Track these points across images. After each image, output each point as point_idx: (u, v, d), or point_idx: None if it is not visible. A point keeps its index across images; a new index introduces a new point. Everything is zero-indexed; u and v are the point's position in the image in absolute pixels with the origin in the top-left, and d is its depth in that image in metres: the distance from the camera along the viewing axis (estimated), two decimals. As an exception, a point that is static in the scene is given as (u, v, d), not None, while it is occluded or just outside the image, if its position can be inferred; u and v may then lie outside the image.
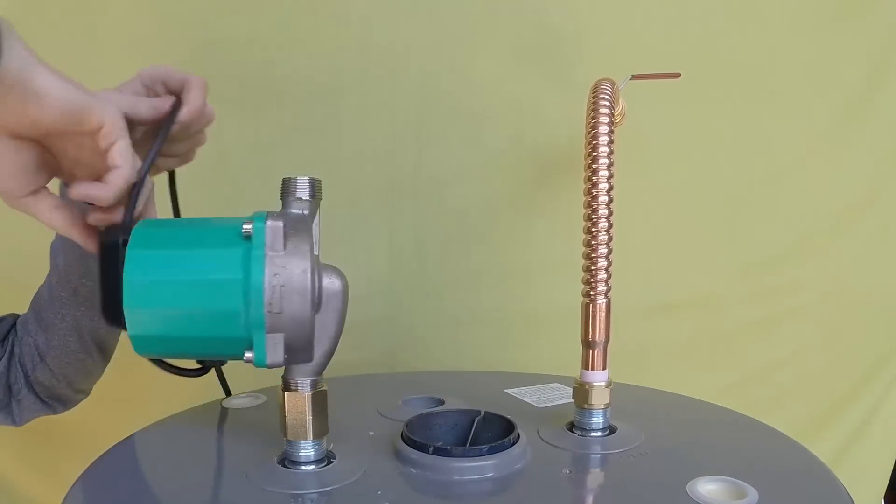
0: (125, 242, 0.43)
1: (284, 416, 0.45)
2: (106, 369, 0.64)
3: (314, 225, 0.45)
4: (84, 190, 0.43)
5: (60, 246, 0.58)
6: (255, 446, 0.50)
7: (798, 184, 0.88)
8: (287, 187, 0.45)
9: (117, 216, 0.46)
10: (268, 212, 0.43)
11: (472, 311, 0.87)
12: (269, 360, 0.42)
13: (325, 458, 0.47)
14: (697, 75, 0.78)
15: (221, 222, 0.44)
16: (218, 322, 0.42)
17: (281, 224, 0.42)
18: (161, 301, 0.42)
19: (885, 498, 1.03)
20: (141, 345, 0.43)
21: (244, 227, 0.42)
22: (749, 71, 0.84)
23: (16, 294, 0.81)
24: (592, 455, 0.51)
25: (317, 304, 0.43)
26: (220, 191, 0.83)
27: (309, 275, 0.42)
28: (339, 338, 0.45)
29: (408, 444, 0.48)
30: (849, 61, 0.86)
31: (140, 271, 0.41)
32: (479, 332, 0.88)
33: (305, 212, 0.45)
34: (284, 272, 0.41)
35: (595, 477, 0.49)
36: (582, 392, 0.53)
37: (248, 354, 0.42)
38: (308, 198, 0.44)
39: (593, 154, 0.52)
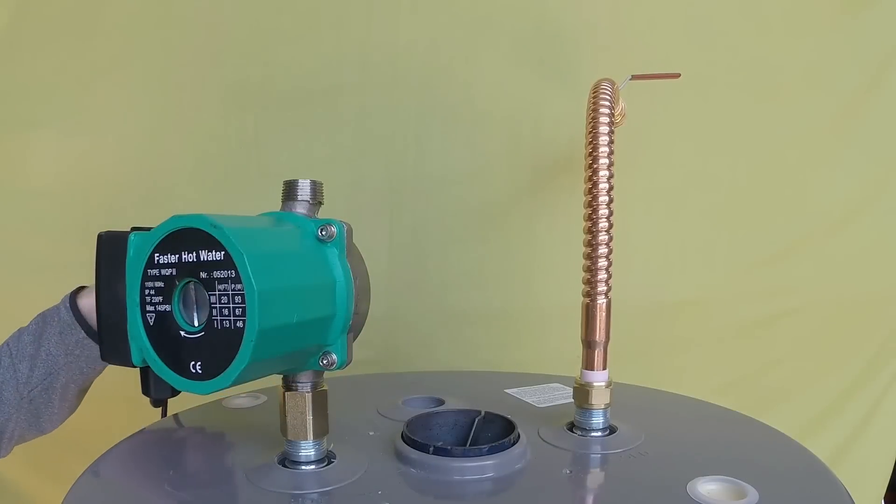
0: None
1: (285, 416, 0.45)
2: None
3: None
4: None
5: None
6: (255, 446, 0.50)
7: (798, 184, 0.88)
8: (289, 189, 0.45)
9: None
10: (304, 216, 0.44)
11: (472, 311, 0.87)
12: (348, 361, 0.44)
13: (326, 458, 0.47)
14: (697, 75, 0.78)
15: (279, 224, 0.43)
16: (318, 329, 0.42)
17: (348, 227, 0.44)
18: (283, 313, 0.38)
19: (885, 498, 1.03)
20: (245, 372, 0.38)
21: (322, 230, 0.42)
22: (749, 71, 0.84)
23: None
24: (592, 455, 0.51)
25: None
26: (220, 190, 0.83)
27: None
28: None
29: (408, 444, 0.48)
30: (849, 61, 0.86)
31: (266, 279, 0.37)
32: (479, 332, 0.88)
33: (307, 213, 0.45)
34: (358, 273, 0.44)
35: (595, 477, 0.49)
36: (582, 392, 0.53)
37: (329, 358, 0.43)
38: (310, 200, 0.45)
39: (593, 154, 0.52)
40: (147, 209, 0.80)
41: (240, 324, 0.36)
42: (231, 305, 0.36)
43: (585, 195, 0.53)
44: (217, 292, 0.37)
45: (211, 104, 0.81)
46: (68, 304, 0.57)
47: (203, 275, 0.37)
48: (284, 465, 0.46)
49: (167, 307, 0.38)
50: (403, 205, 0.85)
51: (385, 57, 0.81)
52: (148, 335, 0.39)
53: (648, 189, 0.84)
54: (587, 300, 0.53)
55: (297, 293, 0.39)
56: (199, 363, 0.38)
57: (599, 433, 0.53)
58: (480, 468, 0.45)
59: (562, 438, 0.53)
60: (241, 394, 0.65)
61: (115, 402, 0.83)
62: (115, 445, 0.53)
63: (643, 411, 0.60)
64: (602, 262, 0.52)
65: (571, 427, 0.54)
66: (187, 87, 0.81)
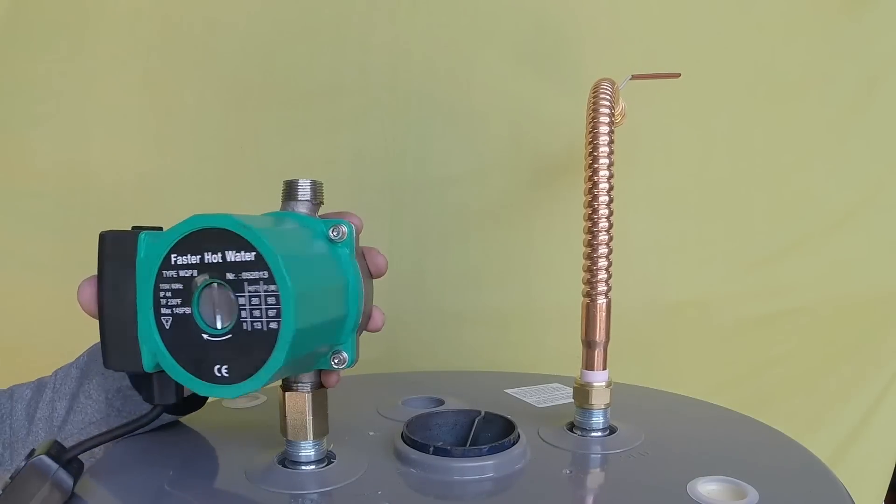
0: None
1: (284, 416, 0.45)
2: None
3: None
4: None
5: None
6: (255, 446, 0.50)
7: (797, 184, 0.88)
8: (289, 189, 0.45)
9: None
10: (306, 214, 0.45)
11: (472, 311, 0.87)
12: (357, 359, 0.44)
13: (325, 458, 0.47)
14: (697, 75, 0.78)
15: (292, 224, 0.43)
16: (335, 328, 0.42)
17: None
18: (313, 313, 0.38)
19: (886, 499, 1.03)
20: (278, 373, 0.37)
21: (333, 230, 0.43)
22: (749, 71, 0.84)
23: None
24: (592, 455, 0.51)
25: None
26: (220, 190, 0.83)
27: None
28: None
29: (408, 444, 0.48)
30: (849, 62, 0.86)
31: (299, 280, 0.36)
32: (479, 332, 0.88)
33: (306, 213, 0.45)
34: (364, 273, 0.45)
35: (595, 477, 0.49)
36: (582, 392, 0.53)
37: (340, 357, 0.43)
38: (310, 200, 0.45)
39: (593, 154, 0.52)
40: (147, 209, 0.80)
41: (273, 325, 0.36)
42: (263, 307, 0.36)
43: (585, 195, 0.53)
44: (247, 293, 0.36)
45: (211, 104, 0.81)
46: None
47: (230, 276, 0.36)
48: (284, 466, 0.46)
49: (187, 310, 0.37)
50: (403, 205, 0.85)
51: (385, 57, 0.81)
52: (163, 339, 0.38)
53: (648, 189, 0.84)
54: (587, 300, 0.53)
55: (323, 293, 0.40)
56: (226, 366, 0.37)
57: (599, 433, 0.53)
58: (480, 468, 0.45)
59: (562, 438, 0.53)
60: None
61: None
62: (115, 446, 0.53)
63: (643, 411, 0.60)
64: (602, 262, 0.52)
65: (571, 427, 0.54)
66: (187, 87, 0.81)
